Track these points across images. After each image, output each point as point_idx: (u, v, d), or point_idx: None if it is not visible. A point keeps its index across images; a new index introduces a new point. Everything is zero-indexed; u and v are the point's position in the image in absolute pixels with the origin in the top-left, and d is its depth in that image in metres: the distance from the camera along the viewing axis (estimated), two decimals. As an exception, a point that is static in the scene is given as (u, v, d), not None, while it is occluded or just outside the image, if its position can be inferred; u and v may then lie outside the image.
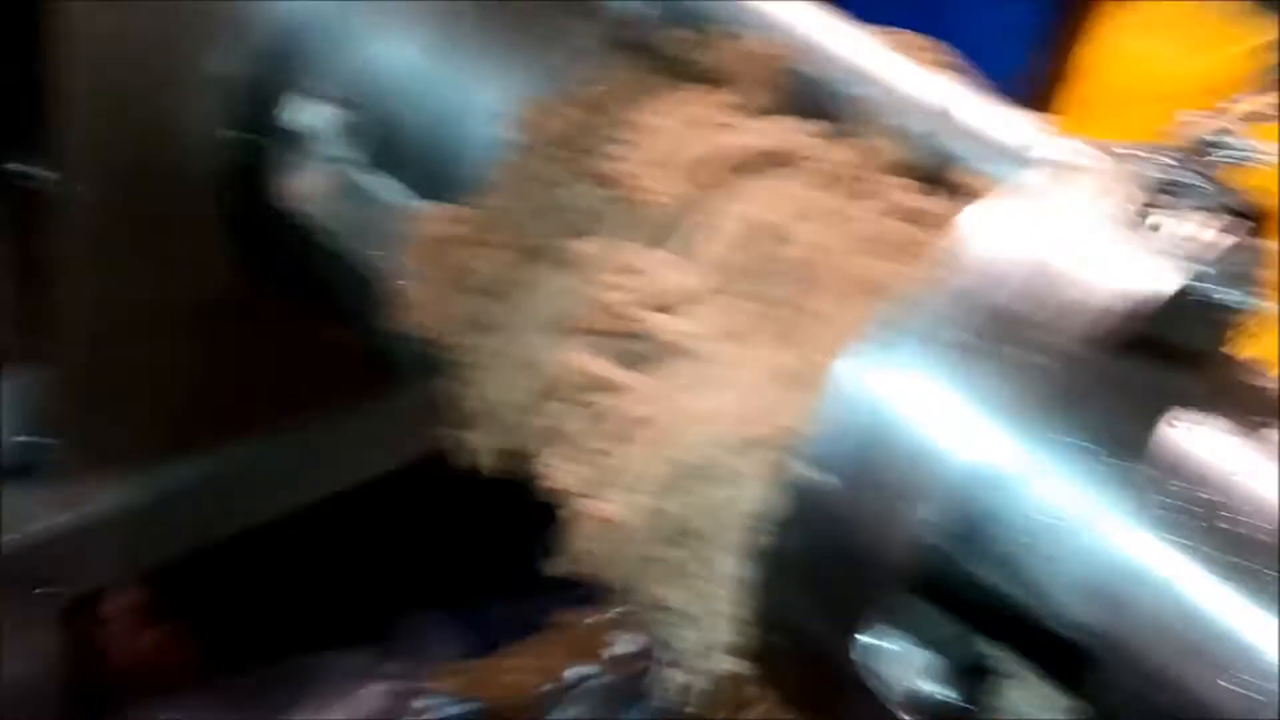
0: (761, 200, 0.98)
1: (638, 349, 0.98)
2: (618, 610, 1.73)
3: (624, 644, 1.74)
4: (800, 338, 0.92)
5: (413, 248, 1.10)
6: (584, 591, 1.73)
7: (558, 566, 1.03)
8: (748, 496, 0.91)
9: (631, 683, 1.76)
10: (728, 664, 0.95)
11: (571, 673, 1.68)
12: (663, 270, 0.98)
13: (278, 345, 1.38)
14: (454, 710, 1.56)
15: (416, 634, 1.63)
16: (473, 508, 1.67)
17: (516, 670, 1.63)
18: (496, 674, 1.61)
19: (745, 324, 0.95)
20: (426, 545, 1.76)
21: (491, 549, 1.81)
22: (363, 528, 1.64)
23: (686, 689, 0.97)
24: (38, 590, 1.27)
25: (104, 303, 1.24)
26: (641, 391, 0.96)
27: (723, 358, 0.94)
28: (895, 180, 0.99)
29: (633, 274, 0.99)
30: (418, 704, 1.54)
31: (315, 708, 1.47)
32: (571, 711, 1.70)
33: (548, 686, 1.66)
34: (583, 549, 1.00)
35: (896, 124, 1.00)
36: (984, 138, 0.99)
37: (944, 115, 1.00)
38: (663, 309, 0.97)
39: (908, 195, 0.98)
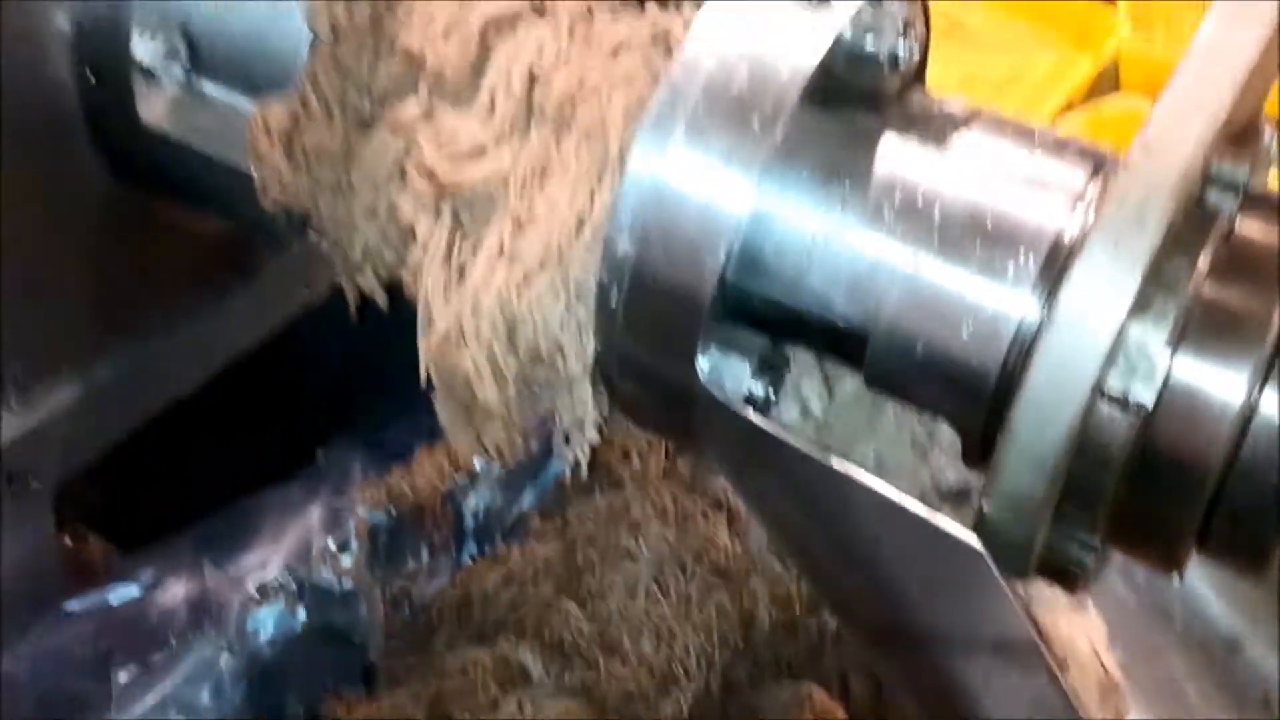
0: (528, 53, 1.21)
1: (455, 200, 1.21)
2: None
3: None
4: (572, 161, 1.16)
5: (258, 139, 1.32)
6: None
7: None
8: (578, 305, 1.16)
9: (522, 466, 2.02)
10: (595, 432, 1.21)
11: (479, 463, 1.94)
12: (464, 127, 1.21)
13: (163, 238, 1.61)
14: (382, 517, 1.81)
15: (336, 463, 1.86)
16: (352, 348, 1.92)
17: (429, 472, 1.87)
18: (413, 478, 1.85)
19: (527, 161, 1.19)
20: (324, 387, 2.00)
21: (379, 378, 2.06)
22: (268, 382, 1.88)
23: (576, 461, 1.24)
24: (34, 486, 1.51)
25: (11, 229, 1.43)
26: (463, 246, 1.20)
27: (517, 195, 1.18)
28: (629, 8, 1.24)
29: (442, 134, 1.22)
30: (351, 519, 1.78)
31: (269, 538, 1.71)
32: (480, 499, 1.97)
33: (460, 478, 1.91)
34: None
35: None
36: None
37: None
38: (466, 160, 1.20)
39: (640, 18, 1.22)
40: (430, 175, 1.21)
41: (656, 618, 1.79)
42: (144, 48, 1.41)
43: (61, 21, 1.41)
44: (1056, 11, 4.29)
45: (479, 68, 1.24)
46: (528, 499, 2.03)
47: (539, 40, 1.22)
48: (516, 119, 1.20)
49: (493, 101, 1.21)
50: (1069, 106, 4.05)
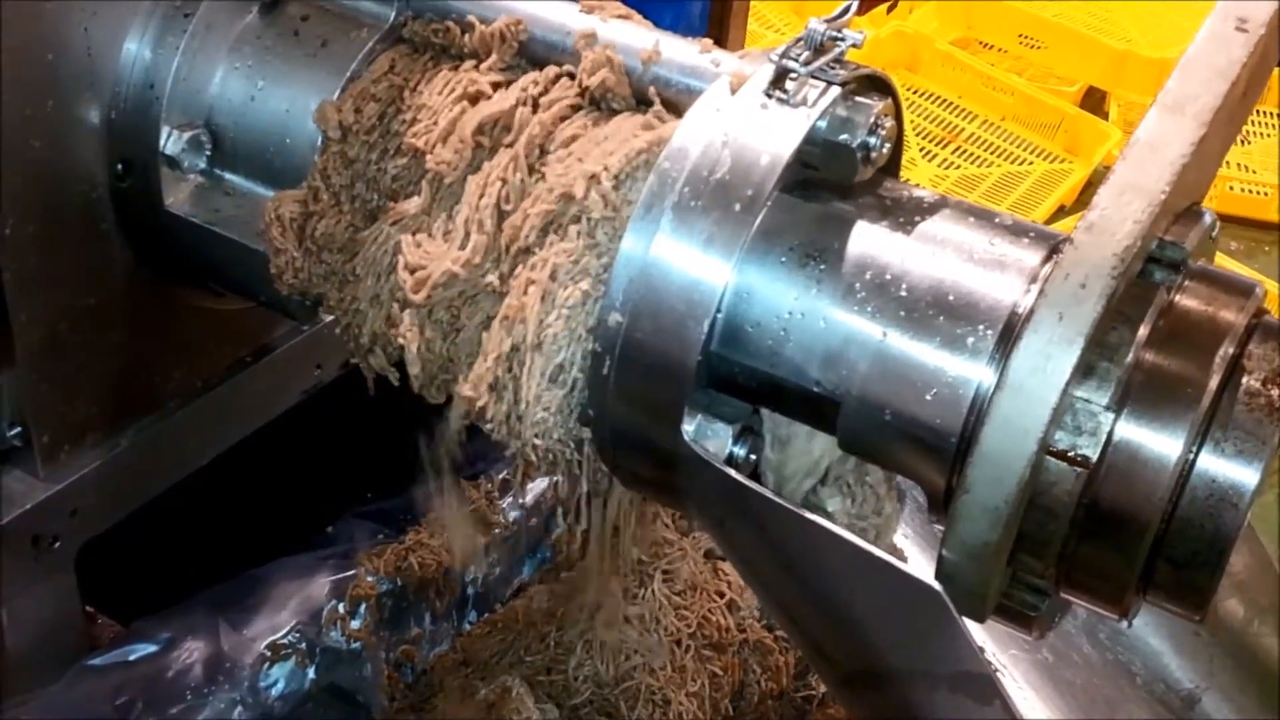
0: (494, 188, 1.30)
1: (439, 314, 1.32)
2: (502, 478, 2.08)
3: (513, 509, 2.08)
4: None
5: (271, 227, 1.43)
6: (470, 472, 2.07)
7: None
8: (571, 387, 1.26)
9: (527, 537, 2.11)
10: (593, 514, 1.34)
11: (480, 537, 2.02)
12: (446, 247, 1.31)
13: (184, 317, 1.70)
14: (389, 584, 1.89)
15: (346, 533, 1.94)
16: (358, 427, 2.00)
17: (434, 544, 1.95)
18: (419, 549, 1.93)
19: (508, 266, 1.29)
20: (331, 463, 2.08)
21: (382, 455, 2.13)
22: (275, 457, 1.96)
23: (572, 539, 1.34)
24: (56, 545, 1.59)
25: (44, 314, 1.52)
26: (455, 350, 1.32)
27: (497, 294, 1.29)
28: (619, 103, 1.34)
29: (428, 249, 1.32)
30: (360, 585, 1.86)
31: (282, 601, 1.79)
32: (481, 570, 2.04)
33: (461, 552, 1.99)
34: None
35: (615, 59, 1.34)
36: (681, 64, 1.34)
37: (654, 50, 1.34)
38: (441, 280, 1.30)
39: (628, 116, 1.32)
40: (413, 272, 1.31)
41: (652, 686, 1.86)
42: (170, 140, 1.51)
43: (94, 115, 1.51)
44: (1050, 121, 4.45)
45: (474, 167, 1.33)
46: (526, 570, 2.12)
47: (503, 172, 1.31)
48: (489, 250, 1.30)
49: (467, 234, 1.31)
50: (1062, 210, 4.21)
